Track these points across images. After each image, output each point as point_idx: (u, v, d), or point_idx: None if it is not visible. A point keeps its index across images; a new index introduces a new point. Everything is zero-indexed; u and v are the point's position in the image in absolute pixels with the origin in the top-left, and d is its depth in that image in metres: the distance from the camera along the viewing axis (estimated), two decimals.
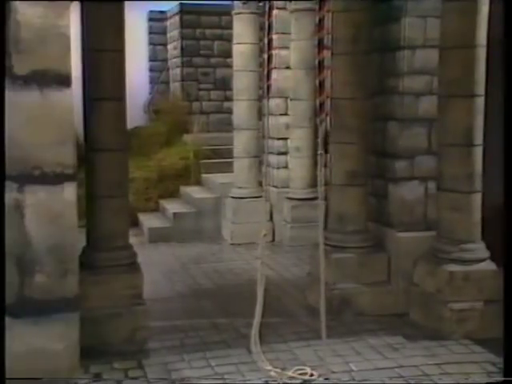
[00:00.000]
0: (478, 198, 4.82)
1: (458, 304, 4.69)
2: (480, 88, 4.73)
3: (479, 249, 4.83)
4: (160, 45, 12.71)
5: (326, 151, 3.58)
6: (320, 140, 3.60)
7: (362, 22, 5.16)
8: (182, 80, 11.76)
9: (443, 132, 4.86)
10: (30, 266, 3.39)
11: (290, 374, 4.06)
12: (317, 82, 3.49)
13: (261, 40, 7.61)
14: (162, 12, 12.67)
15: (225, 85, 11.35)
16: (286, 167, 8.27)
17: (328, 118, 5.23)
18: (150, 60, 12.73)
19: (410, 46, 5.08)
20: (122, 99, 4.58)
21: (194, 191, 9.09)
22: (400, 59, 5.11)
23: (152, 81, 12.67)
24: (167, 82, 12.57)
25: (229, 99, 10.45)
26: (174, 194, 9.40)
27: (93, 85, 4.51)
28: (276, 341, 4.58)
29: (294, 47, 7.67)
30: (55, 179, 3.39)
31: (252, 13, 8.07)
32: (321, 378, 3.99)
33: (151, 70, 12.73)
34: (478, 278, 4.72)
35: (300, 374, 4.06)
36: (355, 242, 5.21)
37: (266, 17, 4.33)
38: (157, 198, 9.27)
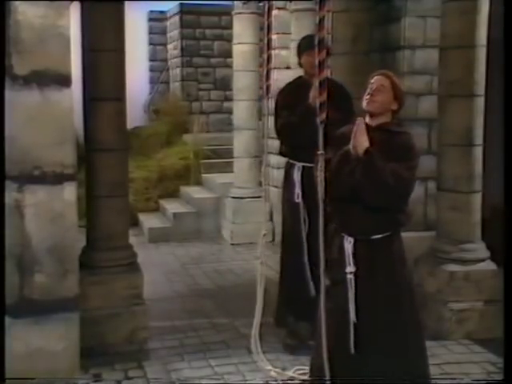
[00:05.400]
0: (478, 198, 4.81)
1: (458, 304, 4.69)
2: (480, 88, 4.73)
3: (479, 249, 4.83)
4: (160, 45, 12.71)
5: (326, 151, 3.57)
6: (320, 140, 3.59)
7: (362, 22, 5.16)
8: (182, 80, 11.76)
9: (443, 132, 4.86)
10: (29, 266, 3.40)
11: (290, 374, 4.05)
12: (317, 81, 3.47)
13: (261, 40, 7.61)
14: (162, 12, 12.67)
15: (225, 85, 11.35)
16: None
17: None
18: (150, 60, 12.74)
19: (410, 46, 5.08)
20: (122, 99, 4.57)
21: (194, 191, 9.09)
22: (400, 59, 5.11)
23: (152, 81, 12.67)
24: (167, 82, 12.57)
25: (229, 99, 10.45)
26: (174, 194, 9.39)
27: (93, 85, 4.50)
28: (276, 341, 4.57)
29: (294, 47, 7.66)
30: (55, 179, 3.40)
31: (252, 13, 8.07)
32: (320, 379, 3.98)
33: (151, 70, 12.74)
34: (478, 278, 4.71)
35: (300, 374, 4.05)
36: None
37: (266, 17, 4.32)
38: (157, 198, 9.25)
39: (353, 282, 3.15)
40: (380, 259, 3.19)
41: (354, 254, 3.17)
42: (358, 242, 3.18)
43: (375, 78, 3.30)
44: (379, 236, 3.18)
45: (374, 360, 3.13)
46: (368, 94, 3.26)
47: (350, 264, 3.16)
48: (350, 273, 3.16)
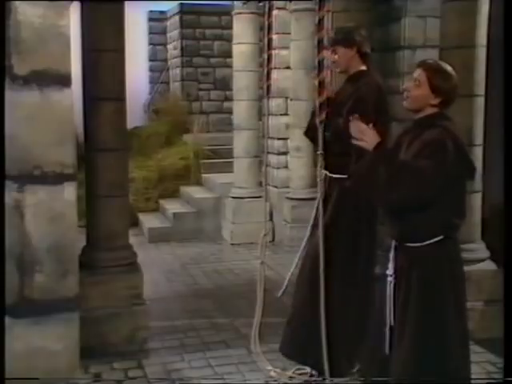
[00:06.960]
0: (478, 198, 4.81)
1: None
2: (480, 88, 4.73)
3: (479, 249, 4.83)
4: (160, 45, 12.72)
5: (326, 151, 3.57)
6: (320, 140, 3.59)
7: (362, 22, 5.16)
8: (182, 80, 11.77)
9: None
10: (29, 266, 3.39)
11: (289, 374, 4.06)
12: (316, 81, 3.48)
13: (261, 40, 7.61)
14: (162, 12, 12.68)
15: (225, 85, 11.36)
16: (286, 167, 8.27)
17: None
18: (150, 60, 12.75)
19: (410, 46, 5.09)
20: (122, 99, 4.57)
21: (194, 191, 9.09)
22: (400, 59, 5.12)
23: (152, 81, 12.68)
24: (167, 82, 12.58)
25: (229, 99, 10.46)
26: (174, 194, 9.40)
27: (93, 85, 4.50)
28: (276, 341, 4.56)
29: (293, 47, 7.66)
30: (55, 179, 3.39)
31: (252, 13, 8.07)
32: (321, 378, 3.99)
33: (151, 70, 12.75)
34: (478, 278, 4.71)
35: (300, 374, 4.05)
36: None
37: (266, 17, 4.33)
38: (157, 198, 9.26)
39: (392, 284, 3.06)
40: (416, 268, 3.02)
41: (395, 258, 3.08)
42: (399, 246, 3.08)
43: (415, 71, 3.07)
44: (416, 244, 3.02)
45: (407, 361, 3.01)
46: (404, 90, 3.09)
47: (390, 267, 3.08)
48: (390, 275, 3.07)
